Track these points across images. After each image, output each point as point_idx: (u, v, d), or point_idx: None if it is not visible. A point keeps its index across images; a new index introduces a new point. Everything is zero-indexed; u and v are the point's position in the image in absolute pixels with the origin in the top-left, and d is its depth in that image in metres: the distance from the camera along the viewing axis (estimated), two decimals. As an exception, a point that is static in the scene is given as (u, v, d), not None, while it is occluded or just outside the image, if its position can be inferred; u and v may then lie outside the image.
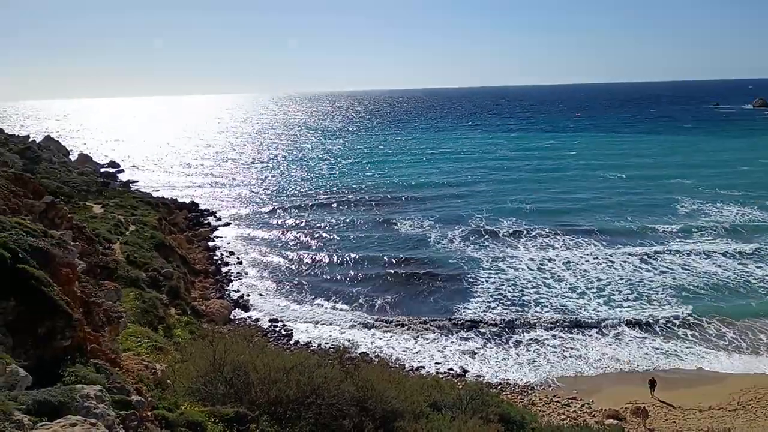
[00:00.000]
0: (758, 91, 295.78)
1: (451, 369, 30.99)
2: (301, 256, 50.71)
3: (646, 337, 34.00)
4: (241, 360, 13.71)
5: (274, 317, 38.11)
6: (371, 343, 34.28)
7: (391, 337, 35.11)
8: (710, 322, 35.48)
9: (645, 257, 47.43)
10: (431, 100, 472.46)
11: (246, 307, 39.82)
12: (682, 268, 44.90)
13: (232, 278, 45.48)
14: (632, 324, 35.56)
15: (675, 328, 34.94)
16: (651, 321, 35.89)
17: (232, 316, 37.66)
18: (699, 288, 40.93)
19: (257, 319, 37.81)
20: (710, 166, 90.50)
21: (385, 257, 49.58)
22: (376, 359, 30.82)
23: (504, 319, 36.74)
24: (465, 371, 30.74)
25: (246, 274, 46.72)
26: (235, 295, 41.70)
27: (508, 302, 39.50)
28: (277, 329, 36.37)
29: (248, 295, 41.92)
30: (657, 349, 32.71)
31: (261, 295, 42.30)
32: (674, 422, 25.63)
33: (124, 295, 25.45)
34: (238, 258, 50.55)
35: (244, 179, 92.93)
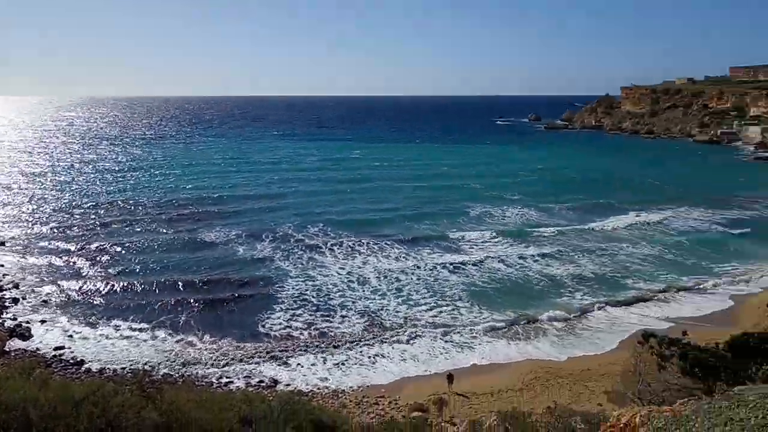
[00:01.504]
0: (533, 108, 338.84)
1: (261, 381, 30.44)
2: (94, 278, 46.04)
3: (441, 333, 36.63)
4: (18, 397, 12.04)
5: (61, 344, 34.11)
6: (175, 362, 32.32)
7: (196, 354, 33.45)
8: (497, 315, 39.48)
9: (441, 259, 51.40)
10: (237, 107, 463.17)
11: (25, 336, 35.07)
12: (473, 266, 49.53)
13: (7, 304, 39.79)
14: (429, 321, 38.28)
15: (467, 323, 38.29)
16: (446, 318, 38.99)
17: (7, 348, 32.98)
18: (486, 284, 45.49)
19: (38, 349, 33.55)
20: (495, 174, 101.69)
21: (189, 273, 47.24)
22: (181, 379, 29.29)
23: (312, 326, 37.32)
24: (276, 382, 30.44)
25: (25, 299, 41.15)
26: (10, 324, 36.50)
27: (314, 308, 40.15)
28: (64, 357, 32.59)
29: (28, 323, 36.98)
30: (451, 342, 35.47)
31: (44, 321, 37.57)
32: (470, 408, 28.14)
33: None
34: (14, 281, 44.39)
35: (23, 193, 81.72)
